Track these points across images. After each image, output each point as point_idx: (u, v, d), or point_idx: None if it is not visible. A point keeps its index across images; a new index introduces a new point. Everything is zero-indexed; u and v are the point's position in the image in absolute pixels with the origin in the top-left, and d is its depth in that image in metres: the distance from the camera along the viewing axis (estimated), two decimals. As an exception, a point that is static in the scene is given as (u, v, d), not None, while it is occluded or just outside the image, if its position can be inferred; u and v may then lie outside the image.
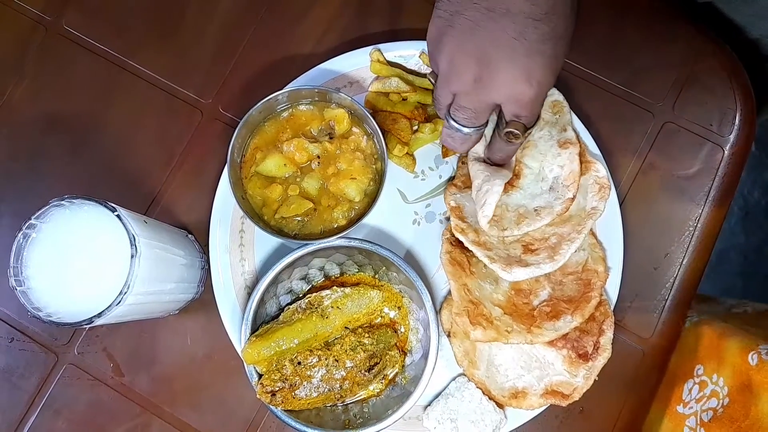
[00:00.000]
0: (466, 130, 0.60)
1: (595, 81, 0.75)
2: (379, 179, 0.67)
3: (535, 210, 0.68)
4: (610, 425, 0.70)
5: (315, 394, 0.63)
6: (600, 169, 0.68)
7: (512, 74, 0.52)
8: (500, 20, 0.50)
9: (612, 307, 0.68)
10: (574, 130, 0.70)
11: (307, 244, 0.65)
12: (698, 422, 0.67)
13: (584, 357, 0.66)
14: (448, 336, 0.68)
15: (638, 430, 0.71)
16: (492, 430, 0.66)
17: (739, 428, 0.63)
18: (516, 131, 0.57)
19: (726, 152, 0.73)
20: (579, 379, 0.65)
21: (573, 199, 0.67)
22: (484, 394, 0.67)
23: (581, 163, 0.68)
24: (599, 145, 0.71)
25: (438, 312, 0.67)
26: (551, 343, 0.66)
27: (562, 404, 0.65)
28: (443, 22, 0.53)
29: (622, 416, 0.70)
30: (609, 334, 0.66)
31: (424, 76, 0.73)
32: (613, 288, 0.69)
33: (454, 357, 0.67)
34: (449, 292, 0.67)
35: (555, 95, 0.71)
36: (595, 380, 0.65)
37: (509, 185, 0.69)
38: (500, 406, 0.67)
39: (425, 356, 0.64)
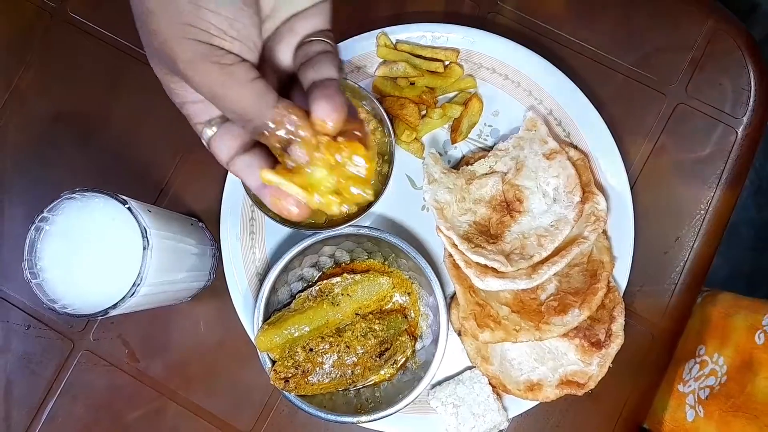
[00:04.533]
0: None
1: (607, 62, 0.74)
2: (388, 166, 0.67)
3: (552, 225, 0.68)
4: (619, 407, 0.70)
5: (327, 380, 0.64)
6: (600, 202, 0.67)
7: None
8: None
9: (622, 293, 0.68)
10: (556, 139, 0.69)
11: (317, 233, 0.65)
12: (696, 399, 0.69)
13: (597, 345, 0.66)
14: (459, 335, 0.68)
15: (646, 412, 0.72)
16: (489, 429, 0.66)
17: (734, 404, 0.64)
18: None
19: (739, 134, 0.72)
20: (593, 368, 0.66)
21: (583, 201, 0.67)
22: (497, 388, 0.67)
23: (584, 192, 0.68)
24: (610, 128, 0.70)
25: (448, 306, 0.68)
26: (564, 334, 0.66)
27: (578, 393, 0.65)
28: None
29: (631, 399, 0.70)
30: (620, 321, 0.66)
31: (432, 59, 0.72)
32: (623, 273, 0.69)
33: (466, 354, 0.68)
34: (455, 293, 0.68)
35: (528, 114, 0.71)
36: (610, 367, 0.66)
37: (515, 212, 0.69)
38: (499, 398, 0.67)
39: (435, 341, 0.64)
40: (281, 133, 0.40)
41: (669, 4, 0.74)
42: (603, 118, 0.70)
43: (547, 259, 0.66)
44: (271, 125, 0.39)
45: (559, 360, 0.67)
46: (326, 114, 0.39)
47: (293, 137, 0.40)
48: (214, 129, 0.45)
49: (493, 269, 0.65)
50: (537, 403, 0.67)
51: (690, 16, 0.74)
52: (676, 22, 0.74)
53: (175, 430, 0.72)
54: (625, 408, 0.70)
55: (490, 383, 0.67)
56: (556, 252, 0.67)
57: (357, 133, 0.41)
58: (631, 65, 0.74)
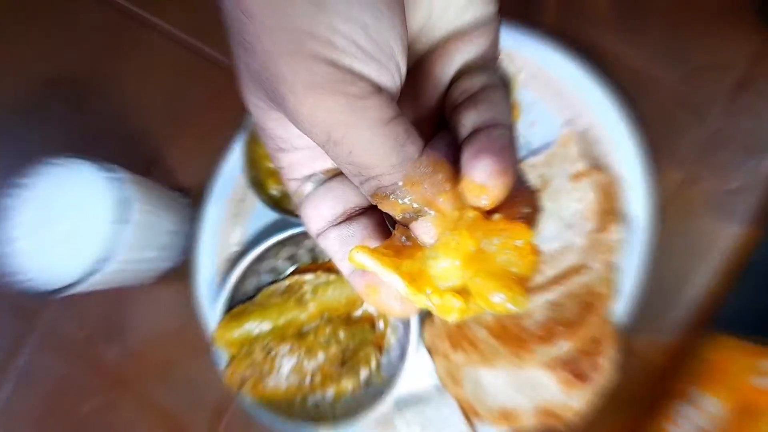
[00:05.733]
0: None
1: (647, 80, 0.66)
2: None
3: (557, 251, 0.62)
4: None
5: (284, 385, 0.59)
6: (618, 233, 0.61)
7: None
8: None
9: (622, 324, 0.61)
10: (589, 160, 0.63)
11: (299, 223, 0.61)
12: None
13: (582, 378, 0.60)
14: (429, 353, 0.63)
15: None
16: None
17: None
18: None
19: (772, 168, 0.64)
20: (575, 401, 0.60)
21: (599, 230, 0.61)
22: (468, 413, 0.61)
23: (604, 220, 0.62)
24: (645, 152, 0.63)
25: (421, 321, 0.62)
26: (546, 364, 0.60)
27: (558, 425, 0.59)
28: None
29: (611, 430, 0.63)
30: (610, 355, 0.60)
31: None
32: (624, 305, 0.62)
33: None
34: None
35: (563, 129, 0.64)
36: (594, 402, 0.59)
37: None
38: (471, 423, 0.61)
39: (402, 357, 0.59)
40: (411, 200, 0.27)
41: (718, 22, 0.67)
42: (638, 141, 0.63)
43: (543, 285, 0.60)
44: (403, 188, 0.27)
45: (538, 391, 0.61)
46: (489, 177, 0.26)
47: (427, 208, 0.27)
48: (311, 187, 0.33)
49: None
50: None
51: (737, 35, 0.66)
52: (723, 42, 0.66)
53: (130, 424, 0.68)
54: None
55: (460, 406, 0.61)
56: (555, 280, 0.61)
57: (524, 209, 0.27)
58: (670, 84, 0.66)
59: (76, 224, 0.54)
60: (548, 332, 0.59)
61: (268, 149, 0.33)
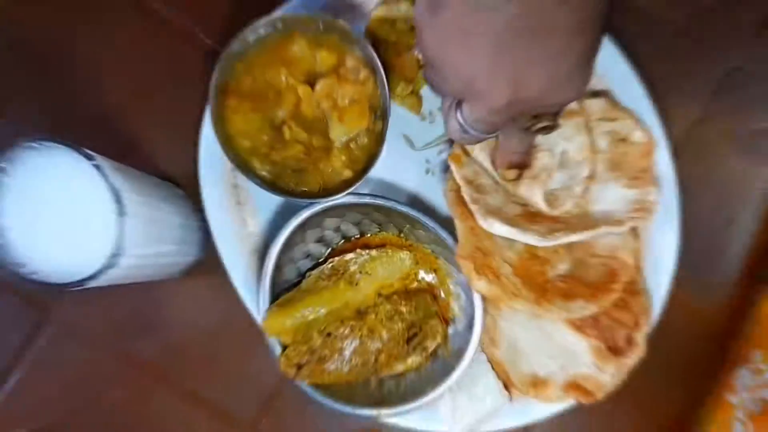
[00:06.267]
0: (484, 135, 0.51)
1: (656, 16, 0.66)
2: (381, 122, 0.58)
3: (552, 194, 0.60)
4: (662, 415, 0.65)
5: (347, 368, 0.57)
6: (652, 193, 0.60)
7: (553, 97, 0.45)
8: (540, 38, 0.40)
9: (667, 287, 0.62)
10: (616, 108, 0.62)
11: (313, 203, 0.57)
12: (746, 414, 0.63)
13: (615, 351, 0.59)
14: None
15: (689, 418, 0.66)
16: (490, 412, 0.60)
17: (791, 424, 0.59)
18: (551, 123, 0.51)
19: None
20: (606, 377, 0.59)
21: (591, 177, 0.60)
22: (501, 377, 0.61)
23: (637, 178, 0.61)
24: (653, 91, 0.62)
25: None
26: (580, 328, 0.60)
27: (584, 401, 0.59)
28: (458, 33, 0.42)
29: (675, 407, 0.65)
30: (645, 330, 0.60)
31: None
32: (667, 262, 0.62)
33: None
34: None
35: None
36: (624, 381, 0.59)
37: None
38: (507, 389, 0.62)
39: (470, 326, 0.58)
40: None
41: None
42: (644, 80, 0.62)
43: (568, 226, 0.59)
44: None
45: (571, 359, 0.60)
46: None
47: None
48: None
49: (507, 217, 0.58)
50: (569, 405, 0.61)
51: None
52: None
53: (161, 416, 0.64)
54: (668, 418, 0.65)
55: (493, 369, 0.61)
56: (581, 226, 0.60)
57: None
58: (683, 20, 0.66)
59: (67, 215, 0.50)
60: (570, 288, 0.58)
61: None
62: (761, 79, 0.66)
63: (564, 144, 0.61)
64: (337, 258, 0.60)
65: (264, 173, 0.59)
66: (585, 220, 0.60)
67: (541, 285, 0.59)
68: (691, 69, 0.66)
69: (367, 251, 0.60)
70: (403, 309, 0.58)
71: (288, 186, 0.59)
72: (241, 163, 0.58)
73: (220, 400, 0.64)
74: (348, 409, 0.57)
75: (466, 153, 0.60)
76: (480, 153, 0.59)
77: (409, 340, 0.57)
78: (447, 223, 0.60)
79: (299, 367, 0.56)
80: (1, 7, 0.66)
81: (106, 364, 0.64)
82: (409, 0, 0.62)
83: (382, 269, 0.59)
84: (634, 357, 0.59)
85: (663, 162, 0.62)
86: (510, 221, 0.57)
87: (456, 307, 0.61)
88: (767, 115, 0.66)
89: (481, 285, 0.56)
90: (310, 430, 0.64)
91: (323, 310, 0.57)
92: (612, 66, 0.63)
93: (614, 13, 0.63)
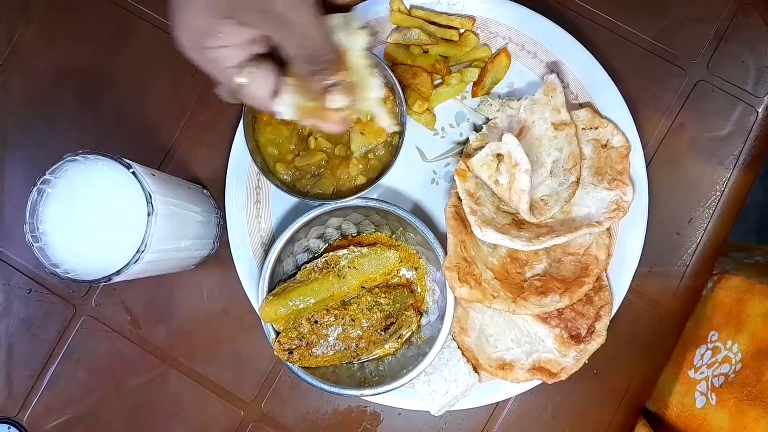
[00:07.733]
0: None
1: (625, 34, 0.71)
2: (398, 137, 0.65)
3: (542, 199, 0.66)
4: (623, 388, 0.70)
5: (331, 352, 0.63)
6: (628, 193, 0.65)
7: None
8: None
9: (631, 277, 0.67)
10: (569, 110, 0.67)
11: (323, 204, 0.64)
12: (709, 387, 0.67)
13: (576, 339, 0.65)
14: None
15: (650, 393, 0.72)
16: (462, 392, 0.66)
17: (750, 393, 0.63)
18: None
19: (759, 114, 0.70)
20: (569, 360, 0.65)
21: (578, 182, 0.65)
22: (470, 361, 0.67)
23: (615, 180, 0.66)
24: (628, 103, 0.68)
25: None
26: (545, 320, 0.66)
27: (548, 382, 0.65)
28: None
29: (635, 380, 0.70)
30: (605, 321, 0.65)
31: (448, 26, 0.70)
32: (633, 254, 0.67)
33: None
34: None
35: (548, 77, 0.68)
36: (585, 363, 0.65)
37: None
38: (476, 371, 0.67)
39: (441, 317, 0.64)
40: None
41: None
42: (621, 94, 0.68)
43: (552, 230, 0.65)
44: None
45: (535, 345, 0.66)
46: None
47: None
48: (251, 71, 0.48)
49: (498, 226, 0.64)
50: (539, 383, 0.67)
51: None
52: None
53: (177, 397, 0.72)
54: (629, 389, 0.70)
55: (463, 354, 0.67)
56: (564, 229, 0.65)
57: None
58: (651, 38, 0.71)
59: (104, 218, 0.56)
60: (545, 285, 0.64)
61: (206, 49, 0.47)
62: (720, 91, 0.70)
63: (556, 153, 0.67)
64: (331, 253, 0.66)
65: (285, 177, 0.66)
66: (568, 224, 0.66)
67: (518, 285, 0.65)
68: (661, 83, 0.71)
69: (359, 248, 0.66)
70: (383, 301, 0.64)
71: (304, 188, 0.66)
72: (266, 168, 0.65)
73: (224, 381, 0.72)
74: (335, 389, 0.63)
75: (469, 168, 0.66)
76: (480, 168, 0.65)
77: (386, 328, 0.63)
78: (438, 233, 0.65)
79: (290, 351, 0.63)
80: (48, 43, 0.75)
81: (125, 353, 0.72)
82: (420, 28, 0.69)
83: (368, 264, 0.65)
84: (594, 344, 0.65)
85: (638, 165, 0.67)
86: (501, 230, 0.63)
87: (430, 301, 0.67)
88: (725, 123, 0.70)
89: (462, 291, 0.62)
90: (303, 408, 0.71)
91: (312, 300, 0.63)
92: (592, 79, 0.68)
93: (586, 29, 0.69)
